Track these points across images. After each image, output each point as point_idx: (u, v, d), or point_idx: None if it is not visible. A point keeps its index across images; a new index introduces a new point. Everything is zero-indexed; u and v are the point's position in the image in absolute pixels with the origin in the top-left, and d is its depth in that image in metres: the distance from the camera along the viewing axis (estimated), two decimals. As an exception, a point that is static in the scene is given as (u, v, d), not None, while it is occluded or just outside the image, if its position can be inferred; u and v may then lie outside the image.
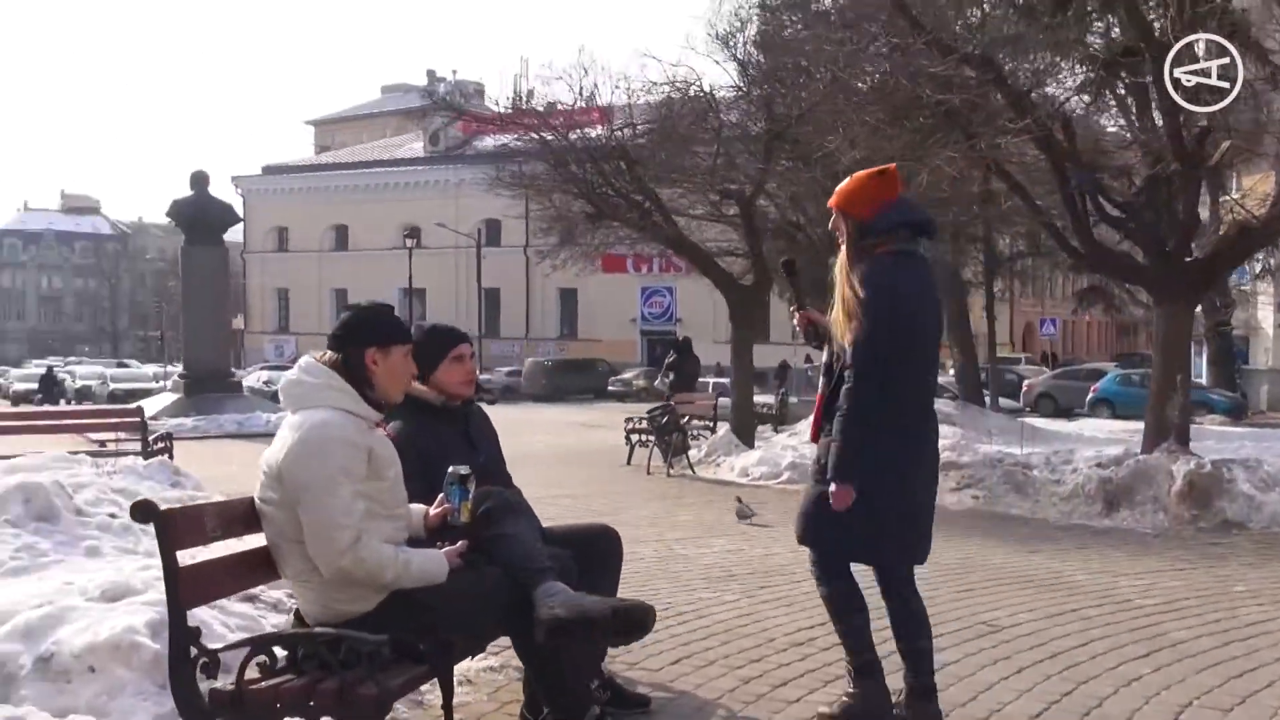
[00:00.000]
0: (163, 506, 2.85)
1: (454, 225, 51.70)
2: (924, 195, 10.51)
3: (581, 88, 15.96)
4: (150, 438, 12.29)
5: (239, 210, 61.42)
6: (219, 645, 2.86)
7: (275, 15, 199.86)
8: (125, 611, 3.85)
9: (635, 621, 3.11)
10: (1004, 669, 4.57)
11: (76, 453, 9.87)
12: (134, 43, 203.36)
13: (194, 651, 2.76)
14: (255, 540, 3.15)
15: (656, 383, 19.91)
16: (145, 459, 9.86)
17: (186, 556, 2.96)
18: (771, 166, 14.82)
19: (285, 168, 64.13)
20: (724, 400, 17.51)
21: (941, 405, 18.78)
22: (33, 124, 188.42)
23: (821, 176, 12.57)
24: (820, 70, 12.41)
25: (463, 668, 4.19)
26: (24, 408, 25.48)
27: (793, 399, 24.24)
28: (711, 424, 15.76)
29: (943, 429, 16.06)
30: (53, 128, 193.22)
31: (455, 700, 3.98)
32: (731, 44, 15.79)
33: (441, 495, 3.36)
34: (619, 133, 15.82)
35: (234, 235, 67.94)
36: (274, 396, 25.86)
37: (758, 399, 24.47)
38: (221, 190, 59.53)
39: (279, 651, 2.88)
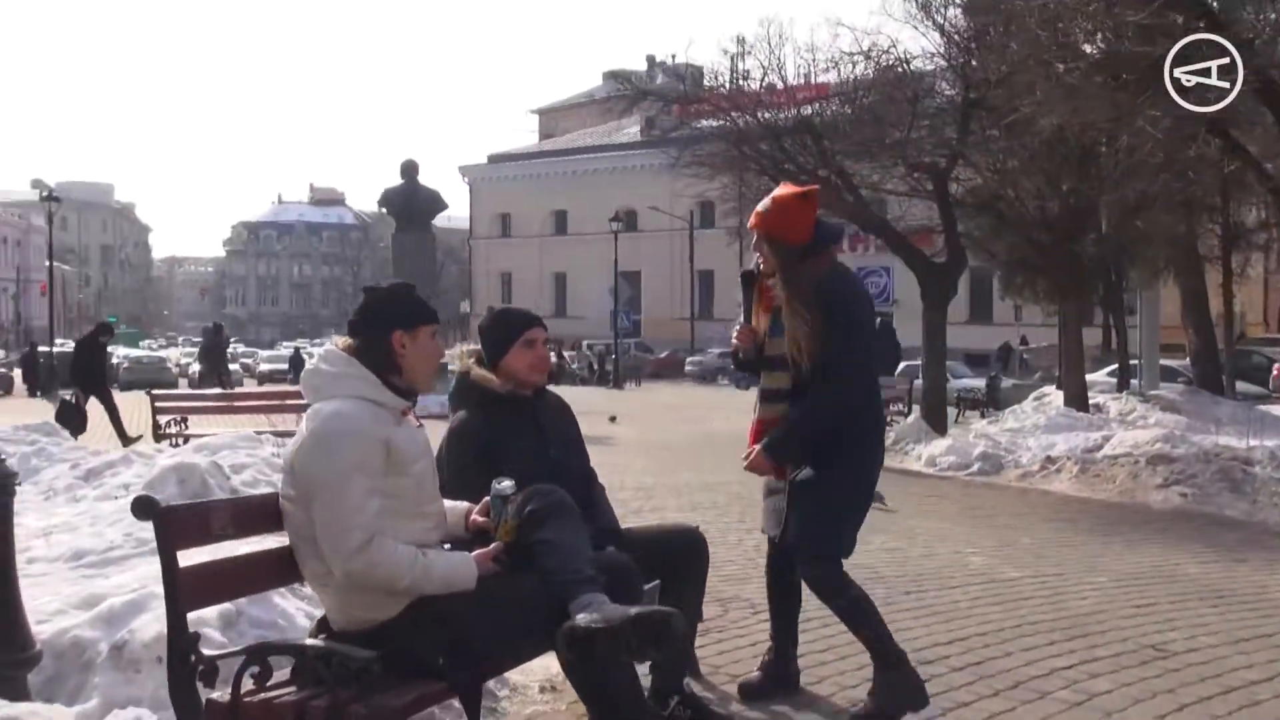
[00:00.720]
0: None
1: (668, 208, 52.07)
2: (1128, 161, 9.51)
3: (771, 64, 15.53)
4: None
5: (465, 198, 63.89)
6: (216, 652, 2.74)
7: (504, 9, 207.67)
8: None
9: (656, 629, 2.80)
10: (1162, 704, 3.99)
11: (262, 433, 10.43)
12: (374, 45, 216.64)
13: (193, 658, 2.66)
14: (278, 539, 3.04)
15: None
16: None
17: (204, 554, 2.87)
18: (969, 137, 13.95)
19: (508, 156, 66.55)
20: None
21: (1164, 392, 17.24)
22: (285, 123, 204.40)
23: (1022, 146, 11.65)
24: (1019, 28, 11.46)
25: (549, 674, 4.00)
26: (266, 387, 27.42)
27: (1008, 382, 22.93)
28: (905, 409, 15.12)
29: (1160, 418, 14.67)
30: (303, 126, 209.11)
31: (532, 710, 3.85)
32: (932, 7, 14.94)
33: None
34: (809, 107, 15.31)
35: (461, 223, 71.75)
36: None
37: (968, 383, 23.37)
38: (450, 181, 62.31)
39: (280, 661, 2.75)
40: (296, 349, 45.52)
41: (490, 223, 66.13)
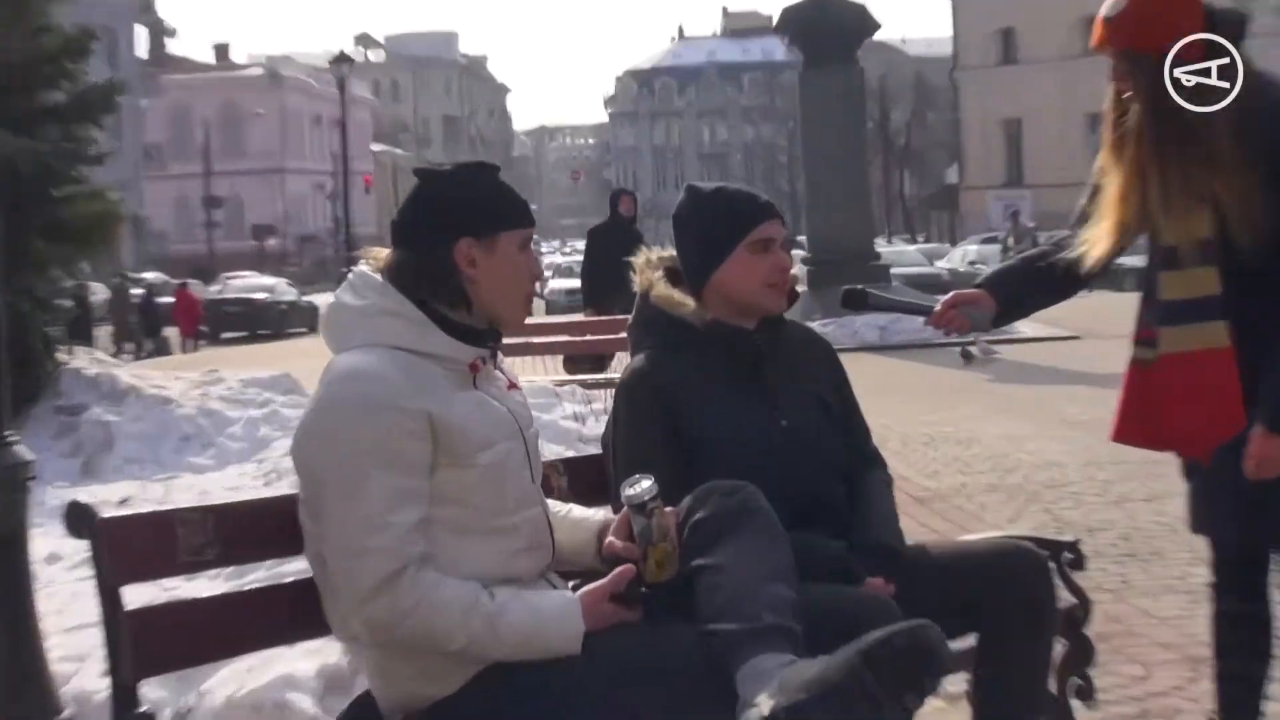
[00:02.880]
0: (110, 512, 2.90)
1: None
2: None
3: None
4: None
5: (947, 8, 62.82)
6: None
7: None
8: (307, 653, 4.13)
9: (915, 657, 2.58)
10: None
11: (565, 383, 11.01)
12: None
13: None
14: (295, 568, 3.15)
15: None
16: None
17: (172, 590, 3.06)
18: None
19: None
20: None
21: None
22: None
23: None
24: None
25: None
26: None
27: None
28: None
29: None
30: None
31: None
32: None
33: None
34: None
35: (939, 49, 70.13)
36: (941, 286, 26.54)
37: None
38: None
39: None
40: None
41: (983, 44, 64.81)
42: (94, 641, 4.12)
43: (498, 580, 2.82)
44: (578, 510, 3.24)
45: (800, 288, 3.74)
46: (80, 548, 3.37)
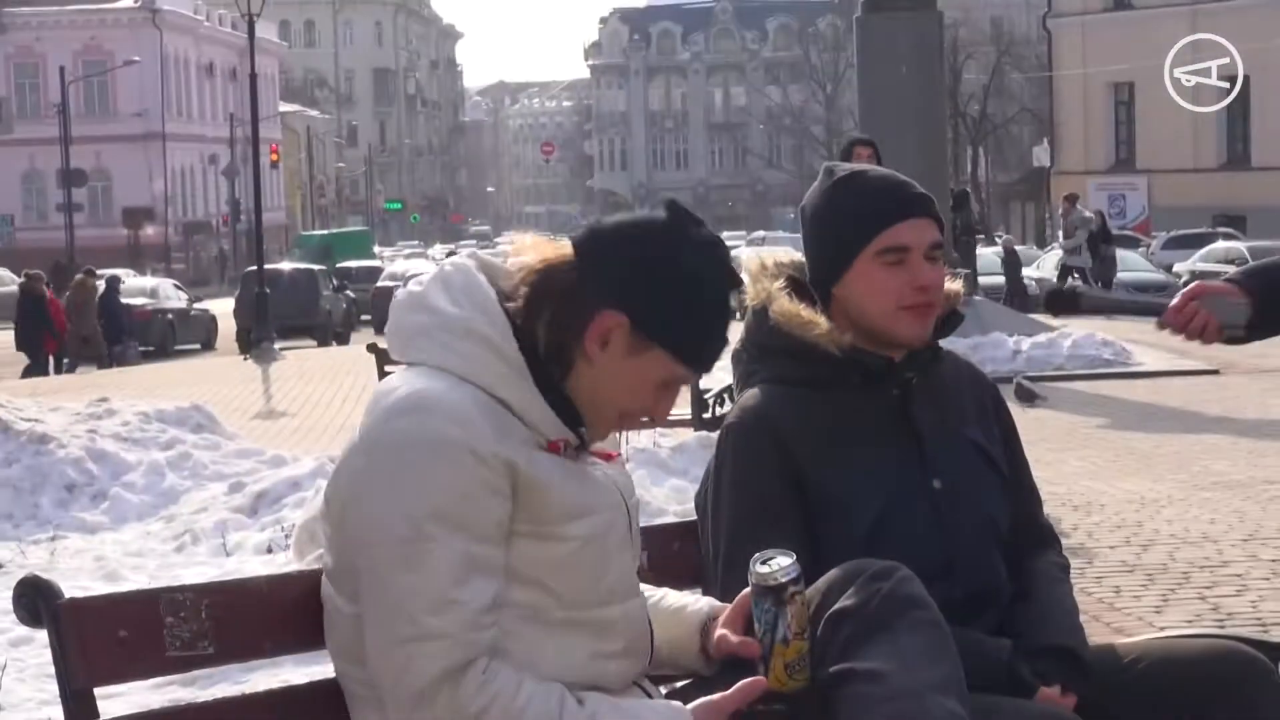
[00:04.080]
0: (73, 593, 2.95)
1: None
2: None
3: None
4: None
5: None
6: None
7: None
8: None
9: None
10: None
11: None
12: None
13: None
14: (318, 666, 3.22)
15: None
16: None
17: (156, 694, 3.13)
18: None
19: None
20: None
21: None
22: None
23: None
24: None
25: None
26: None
27: None
28: None
29: None
30: None
31: None
32: None
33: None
34: None
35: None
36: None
37: None
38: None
39: None
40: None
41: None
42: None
43: (581, 688, 2.86)
44: (673, 596, 3.24)
45: (963, 308, 3.67)
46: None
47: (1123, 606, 7.63)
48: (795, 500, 3.29)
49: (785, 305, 3.42)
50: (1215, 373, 19.01)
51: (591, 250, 2.93)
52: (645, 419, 3.13)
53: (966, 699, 2.89)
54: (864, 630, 2.90)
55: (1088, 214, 35.84)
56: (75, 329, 31.95)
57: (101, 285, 33.90)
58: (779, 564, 2.94)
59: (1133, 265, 37.28)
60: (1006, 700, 3.15)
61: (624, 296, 2.87)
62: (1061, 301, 3.93)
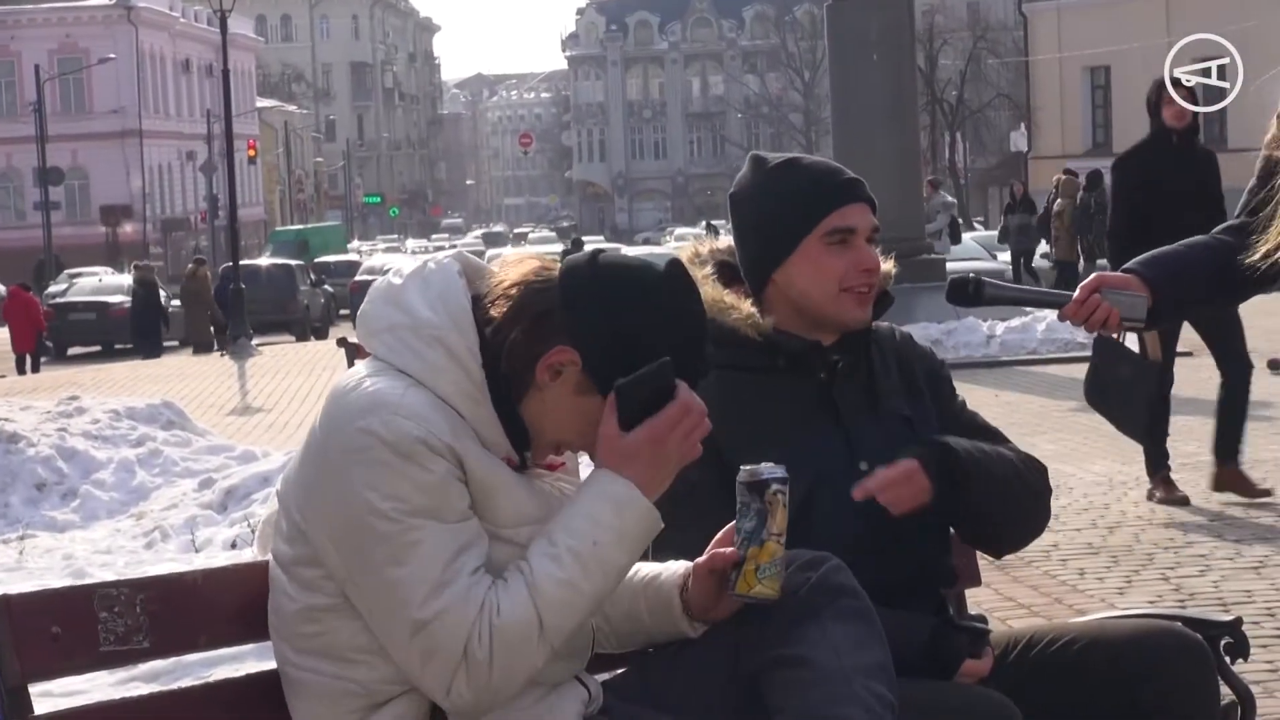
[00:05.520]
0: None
1: None
2: None
3: None
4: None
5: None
6: None
7: None
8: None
9: None
10: None
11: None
12: None
13: None
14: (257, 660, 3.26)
15: None
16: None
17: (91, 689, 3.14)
18: None
19: None
20: None
21: None
22: None
23: None
24: None
25: None
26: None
27: None
28: None
29: None
30: None
31: None
32: None
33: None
34: None
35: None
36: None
37: None
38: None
39: None
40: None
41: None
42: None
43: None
44: (646, 567, 3.21)
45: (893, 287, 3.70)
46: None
47: (1086, 588, 7.66)
48: (718, 484, 3.21)
49: (708, 291, 3.40)
50: (1189, 354, 19.00)
51: (574, 283, 2.97)
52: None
53: (894, 685, 2.92)
54: (793, 618, 2.94)
55: (949, 199, 36.29)
56: (191, 318, 32.15)
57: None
58: (766, 464, 3.00)
59: (962, 252, 36.74)
60: (942, 685, 3.18)
61: (583, 338, 2.91)
62: (962, 292, 3.88)
